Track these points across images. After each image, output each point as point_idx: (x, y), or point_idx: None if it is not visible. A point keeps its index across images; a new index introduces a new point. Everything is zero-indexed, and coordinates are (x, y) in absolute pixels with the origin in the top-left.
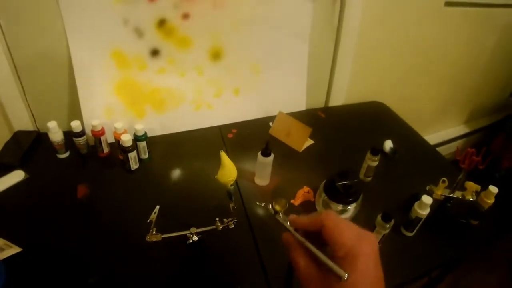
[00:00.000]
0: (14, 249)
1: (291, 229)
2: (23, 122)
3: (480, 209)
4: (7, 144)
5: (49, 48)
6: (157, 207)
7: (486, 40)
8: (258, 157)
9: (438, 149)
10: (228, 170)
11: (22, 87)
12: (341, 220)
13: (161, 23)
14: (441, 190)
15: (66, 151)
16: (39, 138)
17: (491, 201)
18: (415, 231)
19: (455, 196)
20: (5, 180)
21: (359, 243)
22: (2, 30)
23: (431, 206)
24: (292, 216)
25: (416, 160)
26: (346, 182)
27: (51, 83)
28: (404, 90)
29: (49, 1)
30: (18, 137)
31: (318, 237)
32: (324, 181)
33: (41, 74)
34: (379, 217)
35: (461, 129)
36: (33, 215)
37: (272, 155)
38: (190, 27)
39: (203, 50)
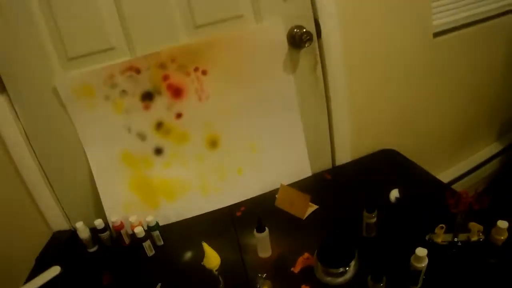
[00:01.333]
0: None
1: None
2: (59, 223)
3: (494, 247)
4: (47, 244)
5: (74, 161)
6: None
7: (493, 54)
8: (255, 234)
9: (463, 181)
10: (210, 258)
11: (56, 195)
12: None
13: (159, 125)
14: (441, 237)
15: (94, 245)
16: (73, 235)
17: (503, 237)
18: (420, 283)
19: (460, 239)
20: (43, 276)
21: None
22: (34, 152)
23: (438, 254)
24: None
25: (421, 206)
26: (337, 244)
27: (78, 189)
28: (409, 131)
29: (66, 119)
30: (56, 236)
31: None
32: (316, 250)
33: (69, 182)
34: (369, 278)
35: (490, 150)
36: None
37: (267, 230)
38: (184, 124)
39: (200, 140)
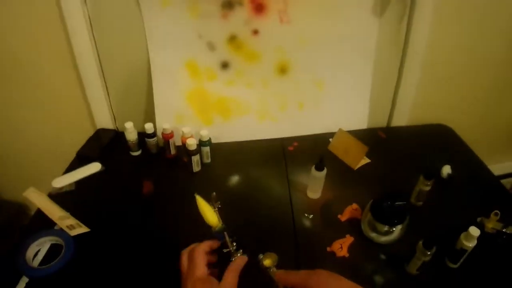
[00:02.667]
0: (83, 229)
1: (282, 287)
2: (105, 121)
3: None
4: (90, 140)
5: (133, 58)
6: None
7: None
8: (312, 171)
9: (504, 181)
10: (205, 217)
11: (107, 90)
12: (331, 283)
13: (232, 38)
14: (492, 224)
15: (138, 150)
16: (118, 136)
17: None
18: (459, 263)
19: (508, 231)
20: (84, 169)
21: None
22: (95, 42)
23: (482, 240)
24: (281, 272)
25: (474, 189)
26: (393, 203)
27: (132, 88)
28: (475, 114)
29: (135, 16)
30: (99, 134)
31: None
32: (372, 200)
33: (124, 81)
34: (420, 243)
35: None
36: (103, 202)
37: (325, 170)
38: (258, 43)
39: (270, 64)
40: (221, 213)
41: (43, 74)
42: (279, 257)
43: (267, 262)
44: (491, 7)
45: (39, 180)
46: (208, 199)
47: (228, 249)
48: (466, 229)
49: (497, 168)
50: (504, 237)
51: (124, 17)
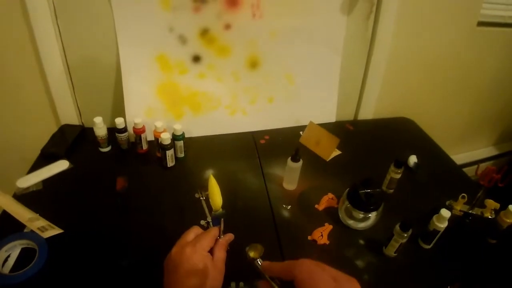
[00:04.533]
0: (56, 230)
1: (267, 277)
2: (69, 116)
3: (499, 228)
4: (53, 136)
5: (100, 50)
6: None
7: None
8: (288, 162)
9: (464, 169)
10: (212, 198)
11: (72, 84)
12: (315, 271)
13: (204, 32)
14: (460, 206)
15: (108, 146)
16: (84, 132)
17: (510, 220)
18: (432, 243)
19: (474, 212)
20: (51, 168)
21: None
22: (60, 32)
23: (450, 221)
24: (266, 263)
25: (439, 176)
26: (369, 190)
27: (99, 82)
28: (434, 108)
29: (104, 7)
30: (64, 130)
31: None
32: (348, 188)
33: (90, 74)
34: (397, 226)
35: (489, 151)
36: (75, 201)
37: (301, 161)
38: (230, 37)
39: (241, 58)
40: (198, 207)
41: (1, 65)
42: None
43: (252, 253)
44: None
45: (2, 180)
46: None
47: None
48: (436, 211)
49: (455, 159)
50: (470, 218)
51: (92, 6)
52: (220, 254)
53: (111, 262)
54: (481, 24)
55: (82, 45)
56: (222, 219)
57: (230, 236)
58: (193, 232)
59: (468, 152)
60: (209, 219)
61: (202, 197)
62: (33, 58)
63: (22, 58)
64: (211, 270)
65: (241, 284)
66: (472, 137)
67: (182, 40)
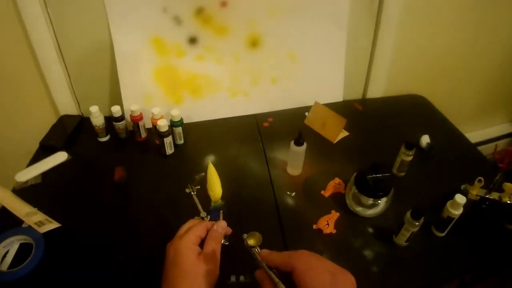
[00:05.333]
0: (54, 224)
1: (265, 266)
2: (68, 107)
3: None
4: (53, 127)
5: (93, 37)
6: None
7: None
8: (291, 146)
9: (480, 148)
10: (210, 188)
11: (68, 74)
12: (313, 262)
13: (199, 11)
14: (476, 190)
15: (106, 135)
16: (83, 122)
17: None
18: (446, 231)
19: (491, 197)
20: (49, 160)
21: None
22: (50, 20)
23: (466, 207)
24: (264, 252)
25: (454, 157)
26: (377, 175)
27: (95, 70)
28: (447, 84)
29: None
30: (63, 121)
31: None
32: (355, 173)
33: (85, 62)
34: (408, 214)
35: (506, 128)
36: (73, 194)
37: (305, 144)
38: (227, 15)
39: (240, 37)
40: (199, 196)
41: None
42: (264, 237)
43: (251, 241)
44: None
45: (1, 174)
46: (185, 183)
47: None
48: (451, 197)
49: (470, 137)
50: (487, 203)
51: None
52: (210, 246)
53: (109, 256)
54: None
55: (74, 33)
56: (221, 211)
57: (221, 228)
58: (188, 224)
59: (484, 129)
60: (203, 214)
61: (193, 191)
62: (28, 51)
63: (17, 53)
64: (194, 263)
65: (242, 277)
66: (487, 113)
67: (177, 21)
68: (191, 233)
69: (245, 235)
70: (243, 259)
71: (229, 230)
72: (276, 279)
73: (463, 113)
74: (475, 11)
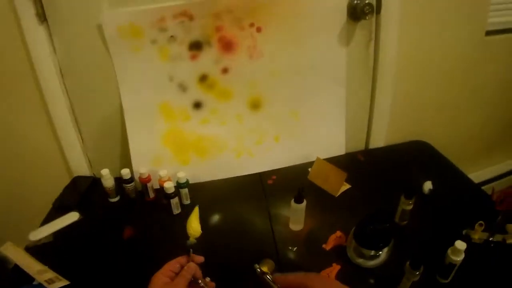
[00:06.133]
0: (63, 282)
1: None
2: (81, 168)
3: None
4: (66, 188)
5: (106, 104)
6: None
7: None
8: (292, 204)
9: (484, 187)
10: (189, 225)
11: (81, 137)
12: (328, 283)
13: (203, 78)
14: (478, 234)
15: (116, 196)
16: (95, 182)
17: None
18: (450, 278)
19: (495, 240)
20: (62, 220)
21: None
22: (66, 89)
23: (471, 251)
24: (278, 275)
25: (456, 200)
26: (377, 226)
27: (107, 134)
28: (447, 126)
29: (106, 63)
30: (76, 181)
31: None
32: (354, 227)
33: (98, 126)
34: (407, 264)
35: (507, 166)
36: (83, 252)
37: (305, 201)
38: (229, 80)
39: (243, 100)
40: (205, 251)
41: (15, 123)
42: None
43: (264, 268)
44: (449, 14)
45: (15, 232)
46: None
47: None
48: (452, 243)
49: (475, 177)
50: (492, 245)
51: (94, 64)
52: (177, 280)
53: None
54: (489, 33)
55: (88, 100)
56: (191, 249)
57: (190, 267)
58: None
59: (487, 168)
60: None
61: (266, 275)
62: (45, 117)
63: (34, 117)
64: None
65: None
66: (489, 152)
67: (183, 88)
68: (165, 266)
69: (256, 265)
70: None
71: (198, 273)
72: None
73: (466, 154)
74: (471, 51)
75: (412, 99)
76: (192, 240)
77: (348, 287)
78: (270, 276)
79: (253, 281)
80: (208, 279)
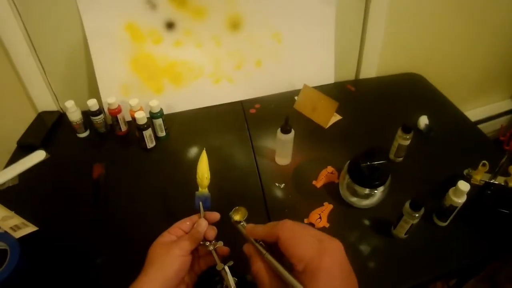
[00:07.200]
0: (31, 228)
1: (252, 240)
2: (46, 103)
3: None
4: (31, 126)
5: (66, 28)
6: None
7: None
8: (278, 134)
9: (480, 126)
10: (199, 175)
11: (43, 69)
12: (298, 230)
13: None
14: (480, 175)
15: (85, 130)
16: (62, 118)
17: None
18: (448, 220)
19: (496, 182)
20: (27, 160)
21: (320, 256)
22: (19, 13)
23: (469, 193)
24: (249, 226)
25: (454, 139)
26: (372, 163)
27: (70, 62)
28: (444, 59)
29: None
30: (42, 117)
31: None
32: (348, 161)
33: (61, 55)
34: (407, 205)
35: (509, 104)
36: (51, 195)
37: (293, 131)
38: None
39: (220, 19)
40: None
41: None
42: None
43: (237, 217)
44: None
45: None
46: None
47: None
48: (453, 183)
49: (471, 115)
50: (492, 188)
51: None
52: (180, 241)
53: (86, 260)
54: None
55: (46, 26)
56: (201, 202)
57: (201, 225)
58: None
59: (484, 106)
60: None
61: (240, 223)
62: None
63: None
64: (163, 245)
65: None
66: (488, 89)
67: (151, 4)
68: (175, 224)
69: (230, 212)
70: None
71: (210, 233)
72: (263, 251)
73: (463, 90)
74: None
75: (407, 28)
76: (202, 191)
77: (318, 230)
78: (245, 223)
79: (231, 226)
80: (221, 243)
